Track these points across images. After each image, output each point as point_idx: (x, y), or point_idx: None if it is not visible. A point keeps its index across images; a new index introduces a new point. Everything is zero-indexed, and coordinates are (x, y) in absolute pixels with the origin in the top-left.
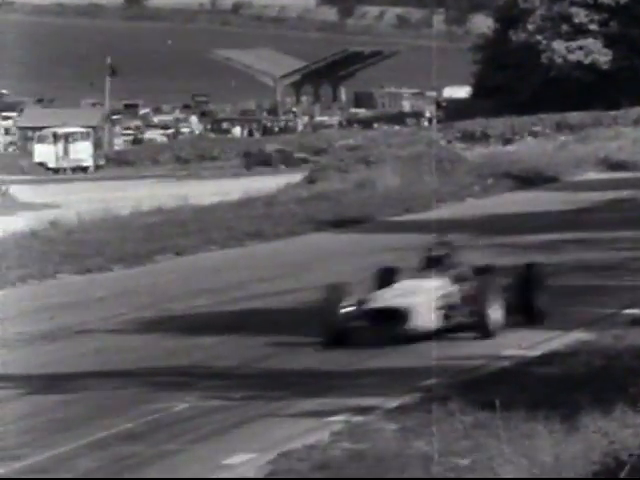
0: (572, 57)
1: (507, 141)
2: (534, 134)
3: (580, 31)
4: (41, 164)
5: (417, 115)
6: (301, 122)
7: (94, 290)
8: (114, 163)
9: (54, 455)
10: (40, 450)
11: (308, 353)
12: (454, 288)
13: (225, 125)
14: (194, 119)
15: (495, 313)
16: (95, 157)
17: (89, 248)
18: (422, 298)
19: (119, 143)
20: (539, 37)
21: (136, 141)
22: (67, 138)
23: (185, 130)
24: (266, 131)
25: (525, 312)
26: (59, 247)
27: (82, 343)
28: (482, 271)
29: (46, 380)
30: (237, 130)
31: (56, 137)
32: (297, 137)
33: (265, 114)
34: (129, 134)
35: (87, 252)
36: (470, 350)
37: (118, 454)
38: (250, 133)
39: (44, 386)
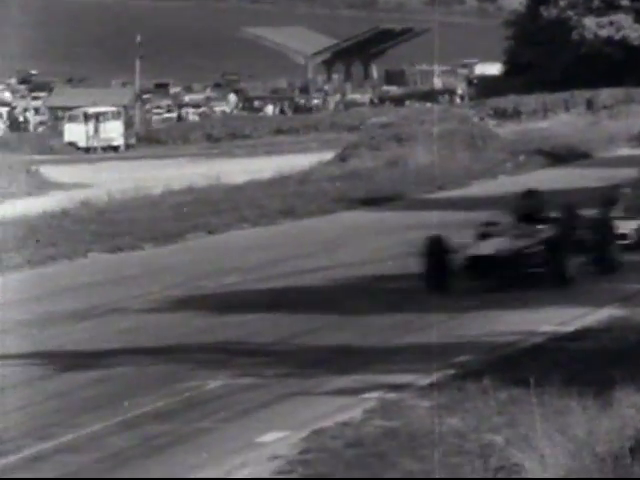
0: (603, 33)
1: (540, 117)
2: (566, 111)
3: (611, 6)
4: (71, 144)
5: (449, 92)
6: (332, 100)
7: (125, 269)
8: (145, 142)
9: (85, 434)
10: (72, 429)
11: (341, 330)
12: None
13: (256, 103)
14: (232, 97)
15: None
16: (126, 136)
17: (120, 227)
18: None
19: (149, 122)
20: (570, 13)
21: (179, 118)
22: (97, 117)
23: (220, 109)
24: (298, 109)
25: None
26: (90, 226)
27: (114, 321)
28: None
29: (77, 358)
30: (269, 108)
31: (86, 116)
32: (329, 115)
33: (297, 92)
34: (161, 113)
35: (118, 231)
36: (504, 326)
37: (150, 433)
38: (282, 111)
39: (76, 364)
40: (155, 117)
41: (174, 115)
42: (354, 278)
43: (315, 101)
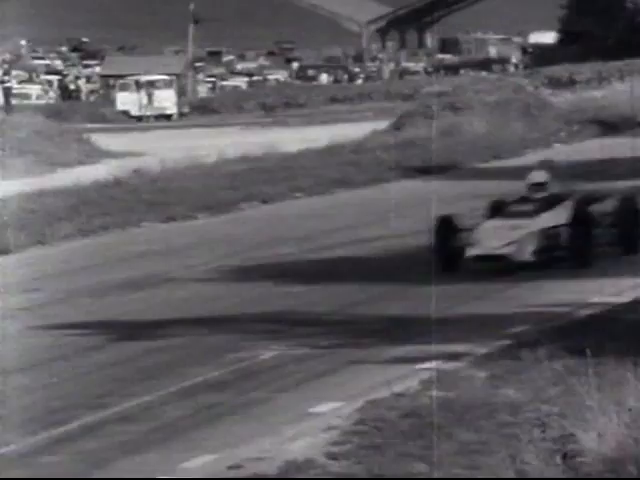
0: None
1: (594, 86)
2: (621, 79)
3: None
4: (124, 112)
5: (503, 61)
6: (387, 69)
7: (179, 238)
8: (198, 111)
9: (140, 403)
10: (126, 398)
11: (396, 300)
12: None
13: (310, 72)
14: (295, 65)
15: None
16: (179, 105)
17: (173, 196)
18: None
19: (203, 91)
20: None
21: (251, 84)
22: (150, 86)
23: (274, 77)
24: (352, 78)
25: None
26: (143, 195)
27: (168, 291)
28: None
29: (132, 328)
30: (323, 77)
31: (139, 85)
32: (383, 84)
33: (351, 61)
34: (213, 81)
35: (171, 200)
36: (558, 296)
37: (204, 402)
38: (336, 80)
39: (129, 334)
40: (208, 85)
41: (227, 83)
42: (409, 247)
43: (369, 69)
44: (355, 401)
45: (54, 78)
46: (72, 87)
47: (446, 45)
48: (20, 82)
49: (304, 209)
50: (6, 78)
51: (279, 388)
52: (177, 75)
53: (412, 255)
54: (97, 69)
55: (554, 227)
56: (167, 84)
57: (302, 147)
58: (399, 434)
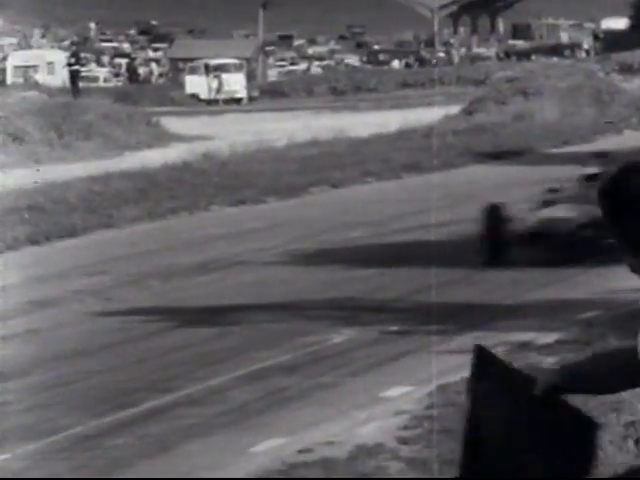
0: None
1: None
2: None
3: None
4: (193, 96)
5: (575, 47)
6: (458, 54)
7: (248, 222)
8: (268, 95)
9: (207, 387)
10: (193, 382)
11: (467, 285)
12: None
13: (381, 57)
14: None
15: None
16: (248, 89)
17: (243, 180)
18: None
19: (273, 75)
20: None
21: (324, 68)
22: (220, 69)
23: (347, 61)
24: (423, 63)
25: None
26: (212, 179)
27: (237, 275)
28: None
29: (200, 312)
30: (394, 62)
31: (208, 68)
32: (454, 69)
33: (422, 45)
34: (284, 65)
35: (241, 184)
36: (627, 282)
37: (273, 386)
38: (407, 65)
39: (198, 318)
40: (278, 70)
41: (297, 68)
42: (479, 233)
43: (441, 54)
44: (425, 385)
45: (122, 61)
46: (140, 70)
47: (518, 31)
48: (83, 64)
49: (374, 194)
50: (73, 60)
51: (349, 372)
52: (247, 59)
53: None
54: (166, 52)
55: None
56: (237, 68)
57: (372, 132)
58: None
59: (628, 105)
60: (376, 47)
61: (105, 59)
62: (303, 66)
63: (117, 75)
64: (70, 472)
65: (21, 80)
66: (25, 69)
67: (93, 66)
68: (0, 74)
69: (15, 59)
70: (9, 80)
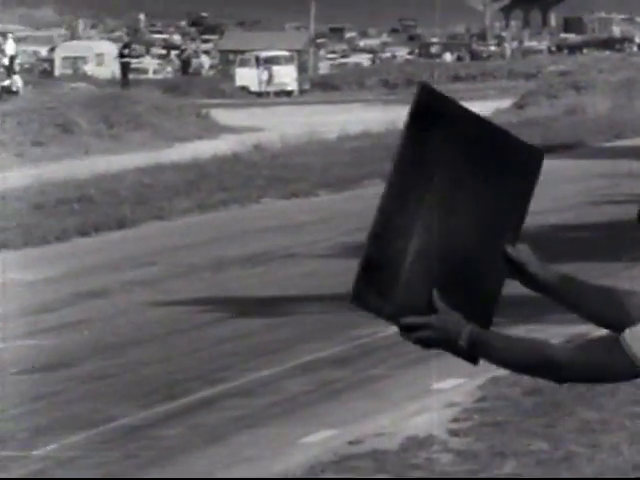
0: None
1: None
2: None
3: None
4: (243, 88)
5: (626, 40)
6: (510, 47)
7: (299, 215)
8: (319, 87)
9: (258, 378)
10: (245, 373)
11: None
12: None
13: (433, 50)
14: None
15: None
16: (299, 81)
17: (294, 172)
18: None
19: (324, 67)
20: None
21: (376, 61)
22: (270, 62)
23: (400, 54)
24: (475, 56)
25: None
26: (263, 171)
27: (288, 267)
28: None
29: (251, 304)
30: (446, 55)
31: (259, 61)
32: (506, 62)
33: (474, 39)
34: (335, 58)
35: (292, 176)
36: None
37: (324, 378)
38: (459, 58)
39: (249, 309)
40: (330, 62)
41: (349, 60)
42: (535, 227)
43: (492, 48)
44: (477, 378)
45: (172, 53)
46: (193, 62)
47: (570, 24)
48: (137, 56)
49: None
50: (126, 52)
51: (400, 365)
52: (298, 51)
53: (538, 234)
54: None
55: None
56: (288, 60)
57: None
58: (521, 411)
59: None
60: (428, 40)
61: (155, 51)
62: (354, 59)
63: (166, 67)
64: (119, 462)
65: (69, 71)
66: (74, 60)
67: (144, 58)
68: (48, 65)
69: (64, 50)
70: (57, 71)
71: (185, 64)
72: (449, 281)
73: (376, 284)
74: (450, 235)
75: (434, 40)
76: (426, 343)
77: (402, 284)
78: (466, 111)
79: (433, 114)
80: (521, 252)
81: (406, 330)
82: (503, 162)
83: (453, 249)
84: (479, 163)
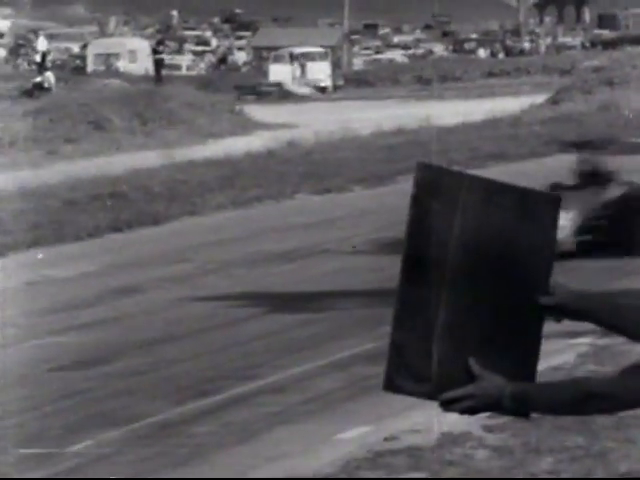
0: None
1: None
2: None
3: None
4: (277, 84)
5: None
6: (544, 43)
7: (333, 210)
8: (353, 83)
9: (292, 374)
10: (278, 369)
11: (563, 273)
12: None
13: (467, 46)
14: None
15: None
16: (333, 77)
17: (328, 168)
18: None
19: (358, 63)
20: None
21: (410, 57)
22: (304, 58)
23: (433, 50)
24: (509, 52)
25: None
26: (297, 167)
27: (322, 263)
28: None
29: (285, 300)
30: (480, 51)
31: (292, 57)
32: (540, 58)
33: (508, 35)
34: (369, 54)
35: (326, 172)
36: None
37: (358, 374)
38: (493, 54)
39: (283, 306)
40: (364, 58)
41: (383, 56)
42: None
43: (526, 44)
44: None
45: (206, 49)
46: (227, 59)
47: (603, 20)
48: (170, 53)
49: None
50: (161, 48)
51: None
52: (332, 47)
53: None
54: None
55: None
56: (322, 56)
57: (458, 120)
58: None
59: None
60: (462, 36)
61: (188, 47)
62: (388, 55)
63: (199, 64)
64: (153, 459)
65: (102, 68)
66: (106, 57)
67: (176, 54)
68: (80, 62)
69: (96, 47)
70: (89, 68)
71: (220, 61)
72: (484, 345)
73: (409, 368)
74: (477, 300)
75: (469, 36)
76: (472, 412)
77: (435, 361)
78: (472, 178)
79: (435, 188)
80: (555, 296)
81: (449, 404)
82: (520, 217)
83: (483, 314)
84: (495, 224)
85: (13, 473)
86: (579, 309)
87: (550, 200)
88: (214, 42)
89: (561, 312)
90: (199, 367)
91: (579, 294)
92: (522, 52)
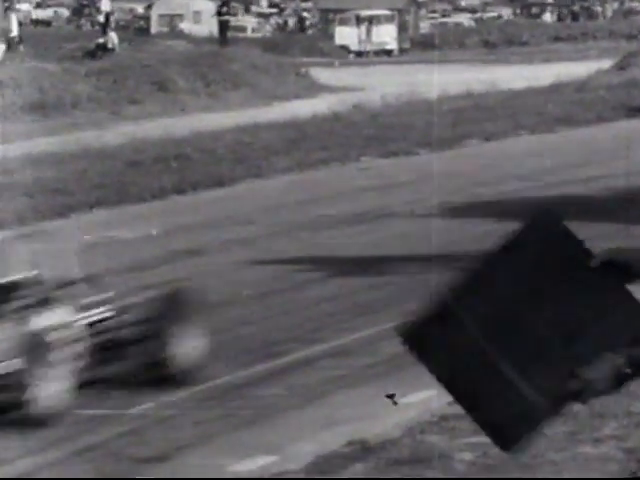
0: None
1: None
2: None
3: None
4: (343, 47)
5: None
6: (610, 7)
7: (399, 174)
8: (419, 47)
9: (357, 338)
10: (342, 333)
11: (613, 239)
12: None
13: (534, 10)
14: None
15: None
16: (399, 40)
17: (394, 132)
18: None
19: (424, 27)
20: None
21: (476, 20)
22: (371, 21)
23: (499, 14)
24: (575, 17)
25: None
26: (363, 130)
27: (387, 227)
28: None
29: (350, 263)
30: (547, 15)
31: (359, 19)
32: (607, 23)
33: None
34: (436, 17)
35: (392, 136)
36: None
37: None
38: (560, 18)
39: (348, 269)
40: (430, 21)
41: (449, 20)
42: (633, 188)
43: (594, 8)
44: None
45: (271, 11)
46: (290, 21)
47: None
48: (235, 14)
49: (527, 147)
50: (224, 10)
51: None
52: (399, 10)
53: (634, 196)
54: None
55: None
56: (388, 19)
57: (525, 85)
58: None
59: None
60: (529, 0)
61: (254, 9)
62: (455, 18)
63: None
64: (217, 420)
65: (166, 29)
66: (170, 18)
67: (241, 16)
68: (144, 23)
69: (160, 8)
70: (153, 29)
71: (283, 22)
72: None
73: None
74: None
75: (535, 0)
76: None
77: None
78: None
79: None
80: (598, 256)
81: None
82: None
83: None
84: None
85: (75, 435)
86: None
87: None
88: (280, 4)
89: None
90: (264, 330)
91: (618, 249)
92: (589, 16)
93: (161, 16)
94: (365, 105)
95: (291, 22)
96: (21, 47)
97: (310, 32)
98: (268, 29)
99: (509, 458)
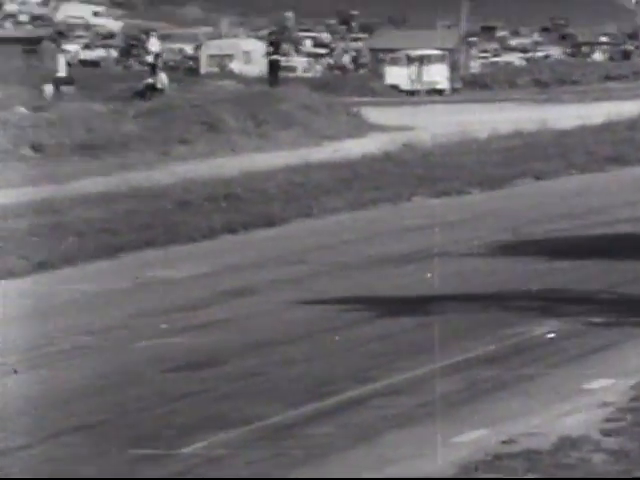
0: None
1: None
2: None
3: None
4: (393, 86)
5: None
6: None
7: (451, 213)
8: (470, 86)
9: (408, 377)
10: (394, 372)
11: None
12: None
13: (584, 49)
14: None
15: None
16: (451, 80)
17: (445, 171)
18: None
19: (475, 66)
20: None
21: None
22: (421, 60)
23: (550, 54)
24: (627, 55)
25: None
26: (414, 170)
27: (438, 266)
28: None
29: (401, 303)
30: (598, 54)
31: (410, 59)
32: None
33: (626, 38)
34: (487, 57)
35: (443, 175)
36: None
37: (475, 377)
38: (611, 57)
39: (399, 308)
40: (481, 61)
41: (500, 59)
42: None
43: None
44: (630, 378)
45: (322, 51)
46: (343, 60)
47: None
48: (284, 54)
49: (578, 186)
50: (272, 50)
51: (552, 364)
52: (449, 50)
53: None
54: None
55: None
56: (439, 59)
57: (575, 124)
58: None
59: None
60: (579, 39)
61: (304, 49)
62: (506, 57)
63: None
64: (269, 460)
65: (216, 69)
66: (220, 58)
67: (292, 56)
68: (194, 63)
69: (209, 48)
70: (203, 69)
71: (334, 63)
72: None
73: None
74: None
75: (585, 39)
76: None
77: None
78: None
79: None
80: None
81: None
82: None
83: None
84: None
85: (125, 473)
86: None
87: None
88: (330, 44)
89: None
90: (314, 369)
91: None
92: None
93: (211, 56)
94: (416, 144)
95: (345, 60)
96: (72, 88)
97: (361, 72)
98: (318, 69)
99: None
